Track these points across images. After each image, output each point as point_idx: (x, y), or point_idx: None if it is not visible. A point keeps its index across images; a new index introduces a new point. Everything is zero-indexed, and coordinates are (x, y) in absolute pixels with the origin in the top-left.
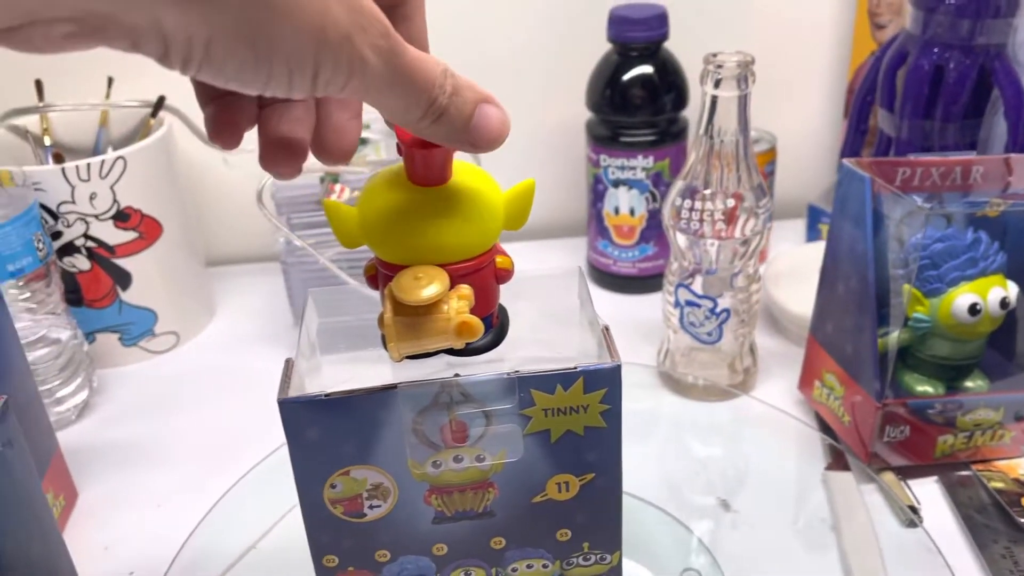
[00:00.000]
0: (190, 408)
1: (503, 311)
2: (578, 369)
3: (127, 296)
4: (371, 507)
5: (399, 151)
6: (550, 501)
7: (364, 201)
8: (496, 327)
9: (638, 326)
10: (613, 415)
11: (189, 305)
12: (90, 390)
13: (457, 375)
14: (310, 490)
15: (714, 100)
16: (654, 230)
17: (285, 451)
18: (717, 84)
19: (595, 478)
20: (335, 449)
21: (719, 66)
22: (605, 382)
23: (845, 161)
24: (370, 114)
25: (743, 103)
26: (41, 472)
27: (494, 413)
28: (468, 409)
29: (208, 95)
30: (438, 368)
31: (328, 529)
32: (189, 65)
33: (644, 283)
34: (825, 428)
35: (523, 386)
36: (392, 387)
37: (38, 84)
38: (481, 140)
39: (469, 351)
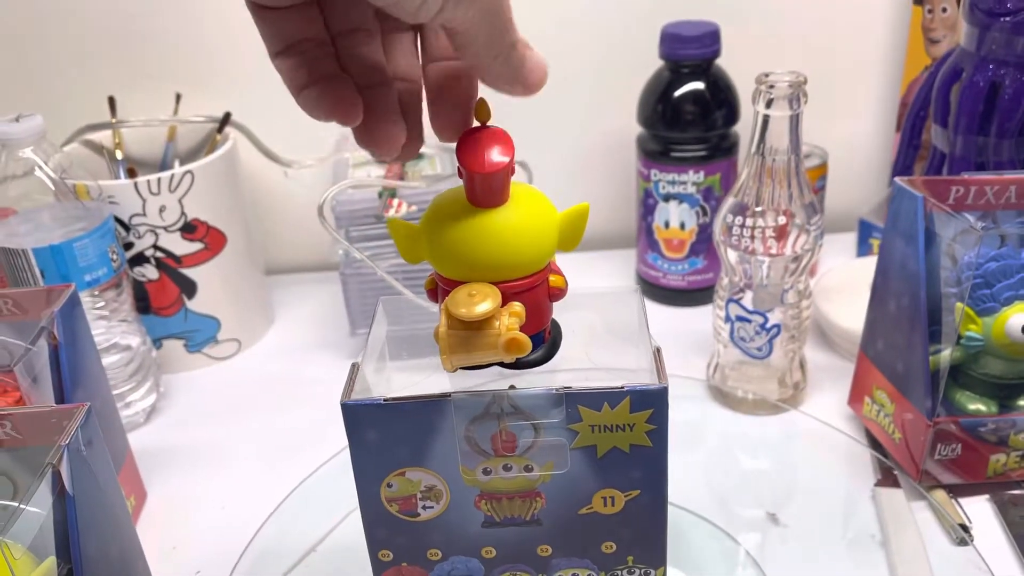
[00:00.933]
0: (251, 412)
1: (556, 326)
2: (625, 389)
3: (192, 304)
4: (424, 507)
5: (459, 174)
6: (596, 514)
7: (427, 220)
8: (548, 342)
9: (688, 339)
10: (659, 435)
11: (250, 313)
12: (157, 394)
13: (512, 387)
14: (368, 488)
15: (766, 119)
16: (704, 244)
17: (344, 455)
18: (769, 104)
19: (640, 495)
20: (392, 451)
21: (771, 86)
22: (652, 403)
23: (898, 179)
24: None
25: (795, 122)
26: (115, 473)
27: (542, 426)
28: (518, 421)
29: (308, 75)
30: (493, 378)
31: (384, 525)
32: None
33: (694, 296)
34: (875, 444)
35: (571, 402)
36: (446, 396)
37: (111, 100)
38: (531, 80)
39: (520, 364)
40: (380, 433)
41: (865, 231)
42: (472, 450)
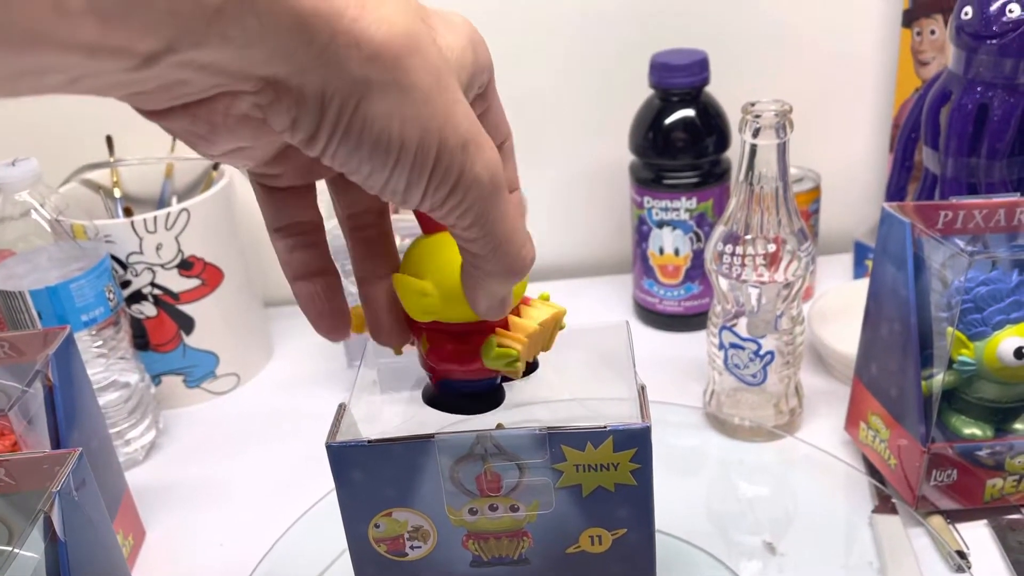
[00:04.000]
0: (250, 448)
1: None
2: (608, 428)
3: (190, 340)
4: (412, 547)
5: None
6: (584, 553)
7: (435, 272)
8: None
9: (685, 364)
10: (643, 474)
11: (249, 347)
12: (156, 431)
13: (500, 425)
14: (356, 528)
15: (753, 148)
16: (699, 269)
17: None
18: (756, 133)
19: (627, 533)
20: (378, 491)
21: (757, 116)
22: (635, 442)
23: (886, 205)
24: None
25: (782, 150)
26: (112, 513)
27: (527, 466)
28: (502, 461)
29: (301, 264)
30: (477, 423)
31: (373, 566)
32: (334, 134)
33: (690, 321)
34: (872, 470)
35: (554, 442)
36: (430, 437)
37: (109, 140)
38: (523, 273)
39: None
40: (366, 474)
41: (861, 253)
42: (458, 490)
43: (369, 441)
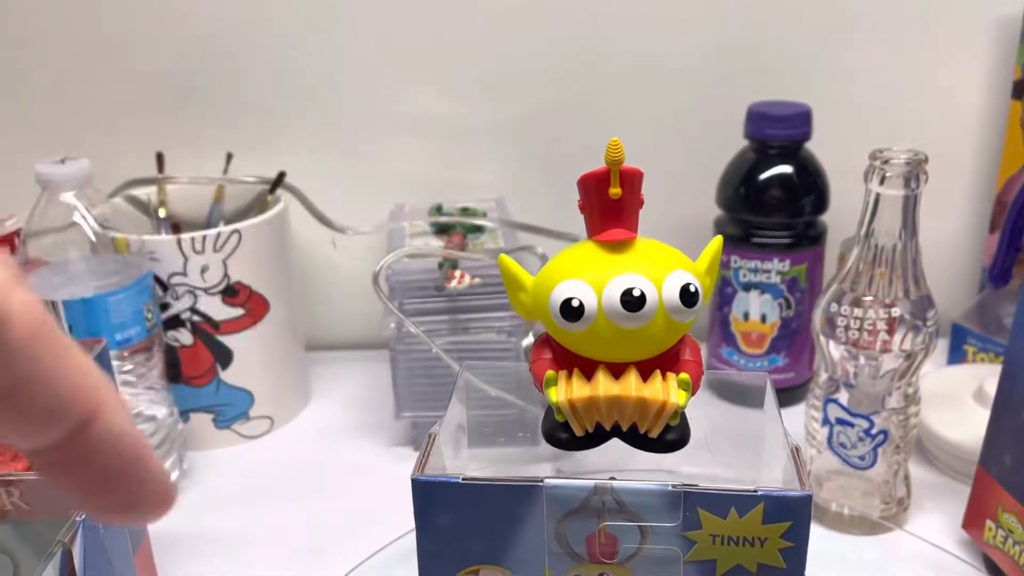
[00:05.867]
0: (281, 499)
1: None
2: (759, 493)
3: (226, 375)
4: None
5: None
6: None
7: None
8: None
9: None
10: (796, 555)
11: (286, 389)
12: (180, 472)
13: (613, 478)
14: None
15: (877, 198)
16: (786, 340)
17: (381, 557)
18: (882, 181)
19: None
20: (466, 542)
21: (886, 161)
22: (791, 513)
23: None
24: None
25: (911, 203)
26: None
27: (651, 530)
28: (621, 520)
29: None
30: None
31: None
32: None
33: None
34: (998, 574)
35: (690, 503)
36: (538, 481)
37: (159, 156)
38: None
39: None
40: (454, 519)
41: (959, 337)
42: (563, 551)
43: (464, 478)
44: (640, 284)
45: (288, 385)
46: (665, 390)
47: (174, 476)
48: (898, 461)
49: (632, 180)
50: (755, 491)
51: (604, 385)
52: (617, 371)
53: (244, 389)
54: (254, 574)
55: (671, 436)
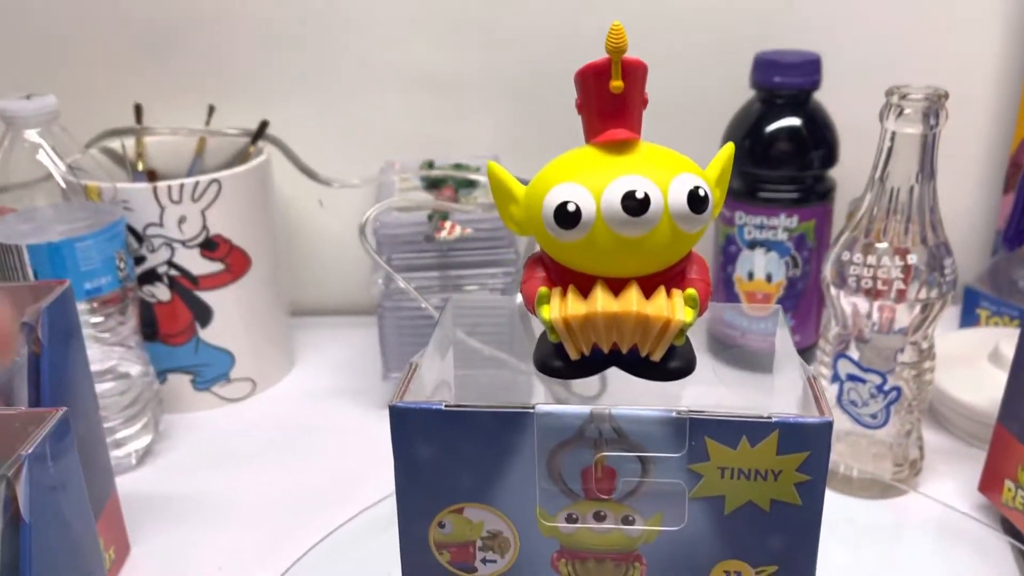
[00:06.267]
0: (262, 464)
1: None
2: (773, 420)
3: (206, 334)
4: (484, 561)
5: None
6: None
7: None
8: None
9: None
10: (813, 491)
11: (269, 351)
12: (155, 434)
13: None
14: (413, 525)
15: (893, 137)
16: (793, 300)
17: (363, 519)
18: (900, 116)
19: (778, 573)
20: (450, 478)
21: (903, 96)
22: (808, 443)
23: None
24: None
25: (930, 143)
26: (94, 517)
27: (653, 462)
28: (620, 451)
29: None
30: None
31: None
32: None
33: None
34: (1017, 537)
35: (696, 432)
36: (528, 408)
37: (137, 108)
38: None
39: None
40: (436, 452)
41: (971, 300)
42: (556, 487)
43: (446, 406)
44: (643, 186)
45: (271, 347)
46: (670, 307)
47: (147, 439)
48: (912, 421)
49: (636, 73)
50: (768, 418)
51: (603, 301)
52: (617, 288)
53: (224, 349)
54: (235, 537)
55: (675, 364)
